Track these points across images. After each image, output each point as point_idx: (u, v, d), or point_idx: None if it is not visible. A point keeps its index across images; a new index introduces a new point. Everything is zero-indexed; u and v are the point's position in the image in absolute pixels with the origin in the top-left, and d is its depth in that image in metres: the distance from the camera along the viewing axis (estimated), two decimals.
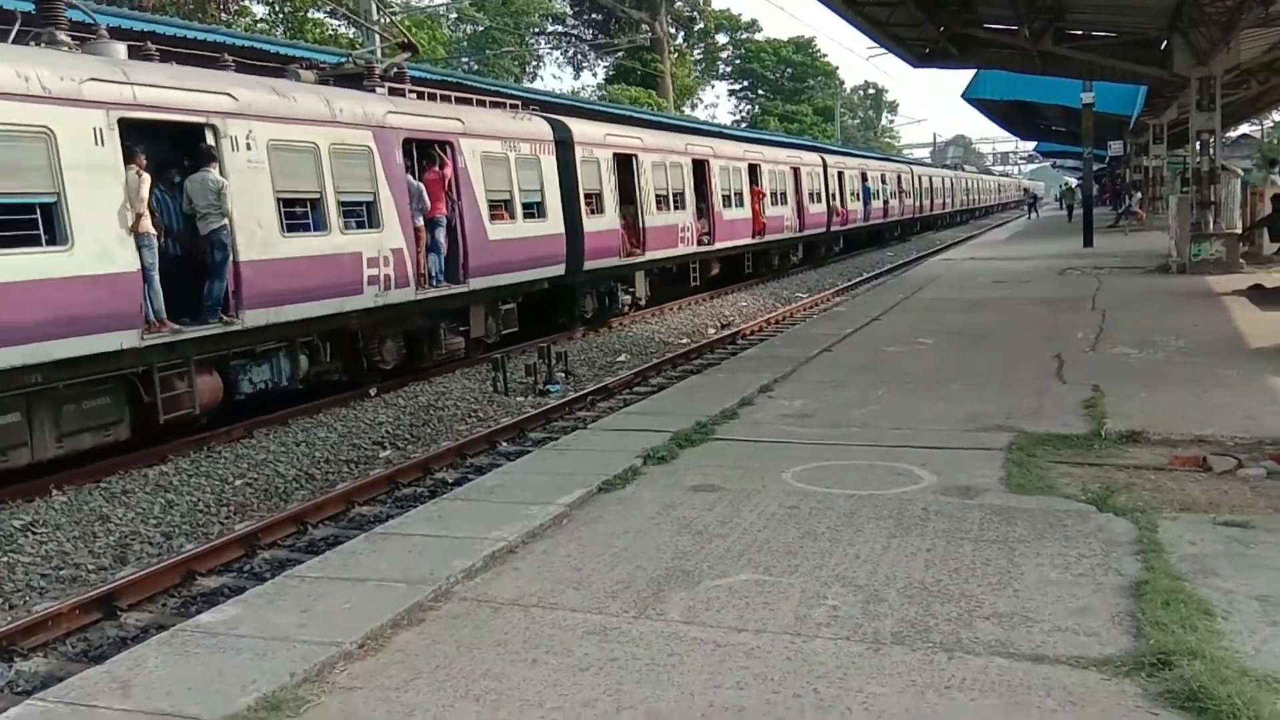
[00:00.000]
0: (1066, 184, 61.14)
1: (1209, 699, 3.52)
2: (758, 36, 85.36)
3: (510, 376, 14.74)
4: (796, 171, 32.52)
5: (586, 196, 19.23)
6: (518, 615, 4.73)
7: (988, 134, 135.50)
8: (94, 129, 9.88)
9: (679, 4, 70.42)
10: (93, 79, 10.01)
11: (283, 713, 3.86)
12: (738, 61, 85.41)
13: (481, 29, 60.58)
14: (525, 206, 17.14)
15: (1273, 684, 3.64)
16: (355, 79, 14.79)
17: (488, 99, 17.86)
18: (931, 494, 6.32)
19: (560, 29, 69.85)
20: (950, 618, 4.43)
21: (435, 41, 45.28)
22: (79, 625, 7.08)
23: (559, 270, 18.08)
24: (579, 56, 70.48)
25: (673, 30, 67.80)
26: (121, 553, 8.61)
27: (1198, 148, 19.94)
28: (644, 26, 60.52)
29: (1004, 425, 7.99)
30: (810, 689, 3.85)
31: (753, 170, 28.56)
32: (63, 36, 10.65)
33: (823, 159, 36.31)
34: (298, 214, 12.39)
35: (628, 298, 21.42)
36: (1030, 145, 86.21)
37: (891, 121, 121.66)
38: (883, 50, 24.93)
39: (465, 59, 50.25)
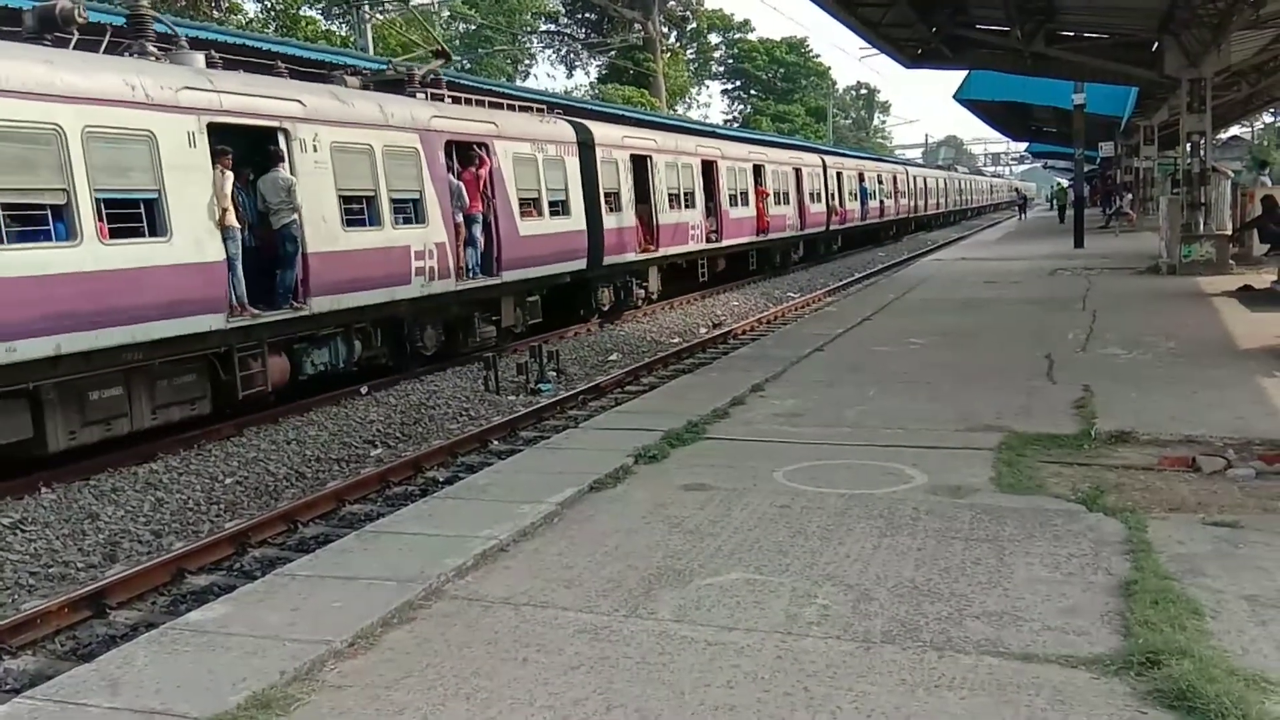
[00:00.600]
0: (1058, 184, 61.25)
1: (1197, 698, 3.53)
2: (750, 36, 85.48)
3: (502, 375, 14.74)
4: (798, 172, 33.50)
5: (606, 195, 20.31)
6: (509, 614, 4.73)
7: (979, 134, 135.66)
8: (188, 132, 11.03)
9: (672, 3, 70.47)
10: (187, 87, 11.20)
11: (273, 711, 3.86)
12: (730, 61, 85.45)
13: (474, 27, 60.49)
14: (551, 204, 18.25)
15: (1260, 683, 3.66)
16: (396, 85, 15.83)
17: (516, 104, 18.97)
18: (922, 493, 6.33)
19: (553, 28, 69.79)
20: (940, 617, 4.44)
21: (428, 41, 45.16)
22: (68, 623, 7.06)
23: (581, 264, 19.16)
24: (572, 56, 70.54)
25: (665, 30, 67.84)
26: (111, 551, 8.58)
27: (1188, 149, 20.01)
28: (637, 26, 60.53)
29: (994, 425, 8.01)
30: (801, 688, 3.86)
31: (757, 171, 29.58)
32: (151, 48, 11.79)
33: (822, 160, 37.24)
34: (355, 210, 13.53)
35: (641, 291, 22.43)
36: (1022, 146, 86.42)
37: (884, 122, 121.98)
38: (875, 51, 24.94)
39: (458, 57, 50.14)
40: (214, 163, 11.34)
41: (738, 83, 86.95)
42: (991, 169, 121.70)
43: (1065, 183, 56.98)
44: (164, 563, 7.98)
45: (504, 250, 16.59)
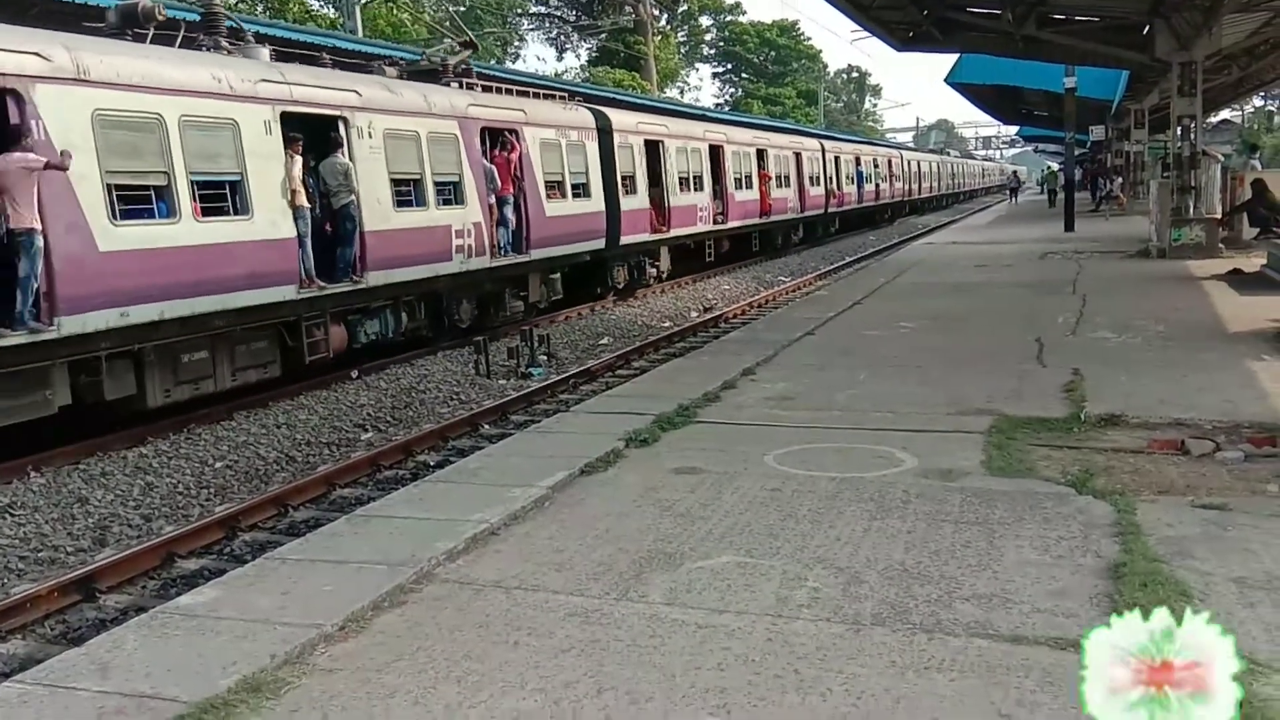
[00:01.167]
0: (1049, 168, 61.25)
1: None
2: (741, 19, 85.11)
3: (492, 359, 14.71)
4: (798, 156, 34.46)
5: (622, 178, 21.33)
6: (499, 597, 4.73)
7: (970, 118, 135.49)
8: (264, 121, 12.12)
9: None
10: (263, 80, 12.34)
11: (263, 694, 3.85)
12: (721, 44, 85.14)
13: (464, 8, 60.11)
14: (574, 187, 19.35)
15: (1249, 665, 3.67)
16: (431, 75, 16.82)
17: (540, 92, 20.06)
18: (912, 477, 6.34)
19: (543, 10, 69.42)
20: (930, 599, 4.45)
21: (419, 22, 44.88)
22: (57, 607, 7.04)
23: (600, 244, 20.23)
24: (562, 38, 70.10)
25: (656, 12, 67.38)
26: (100, 535, 8.56)
27: (1179, 133, 19.98)
28: (627, 8, 60.18)
29: (985, 408, 8.02)
30: (791, 670, 3.86)
31: (760, 155, 30.47)
32: (224, 43, 12.84)
33: (821, 145, 38.27)
34: (404, 192, 14.64)
35: (654, 271, 23.44)
36: (1012, 130, 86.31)
37: (875, 105, 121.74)
38: (866, 34, 24.91)
39: (448, 39, 49.83)
40: (285, 149, 12.39)
41: (728, 66, 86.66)
42: (982, 153, 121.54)
43: (1056, 166, 57.03)
44: (154, 547, 7.96)
45: (532, 230, 17.63)
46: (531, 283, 18.08)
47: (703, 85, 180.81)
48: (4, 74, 9.38)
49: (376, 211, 13.84)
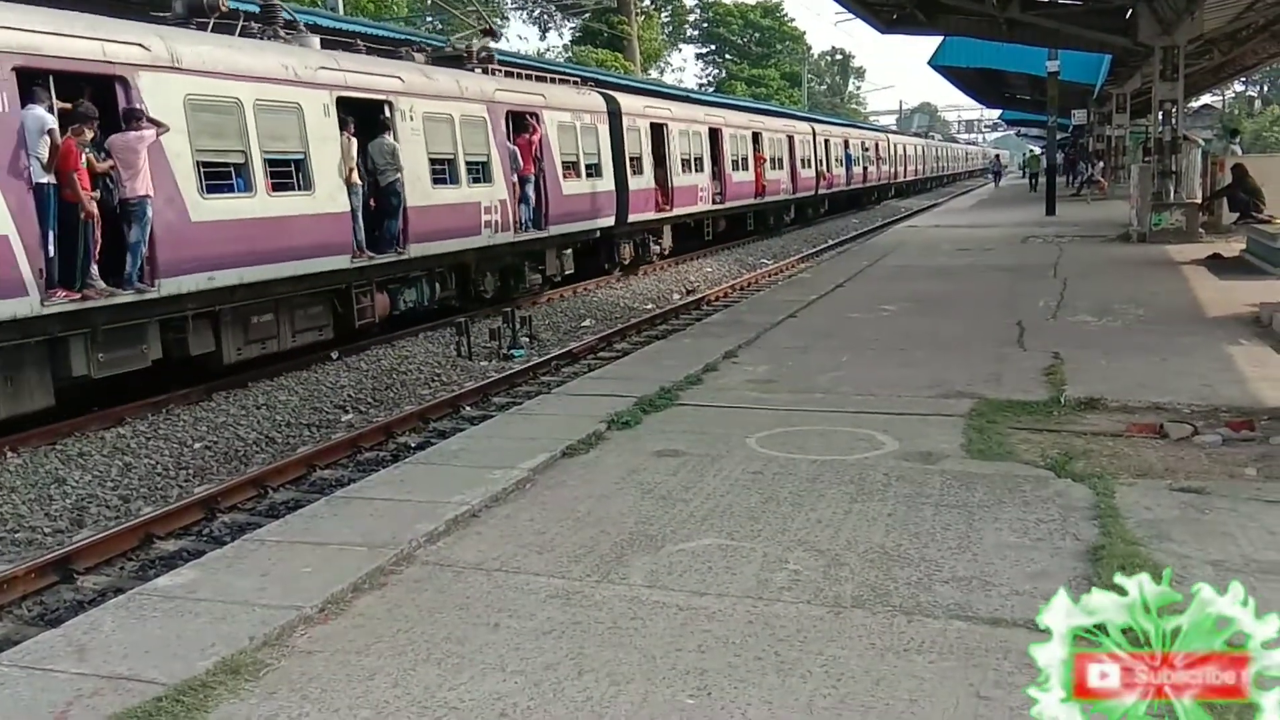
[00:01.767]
0: (1031, 151, 61.34)
1: None
2: (725, 0, 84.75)
3: (474, 341, 14.67)
4: (791, 139, 35.82)
5: (630, 159, 22.42)
6: (480, 579, 4.72)
7: (953, 101, 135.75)
8: (323, 105, 13.23)
9: None
10: (322, 67, 13.45)
11: (241, 676, 3.83)
12: (705, 25, 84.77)
13: None
14: (587, 167, 20.57)
15: None
16: (455, 60, 17.91)
17: (555, 77, 21.66)
18: (893, 459, 6.36)
19: None
20: (910, 581, 4.47)
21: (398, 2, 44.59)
22: (34, 589, 7.00)
23: (610, 221, 21.48)
24: (545, 17, 69.59)
25: None
26: (78, 516, 8.50)
27: (1160, 117, 20.03)
28: None
29: (965, 392, 8.05)
30: (772, 652, 3.87)
31: (756, 138, 31.73)
32: (281, 33, 13.88)
33: (812, 128, 39.82)
34: (439, 171, 15.79)
35: (657, 248, 24.43)
36: (995, 113, 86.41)
37: (858, 88, 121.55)
38: (850, 16, 24.83)
39: (429, 17, 49.45)
40: (340, 130, 13.45)
41: (712, 47, 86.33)
42: (965, 136, 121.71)
43: (1037, 150, 57.18)
44: (132, 528, 7.92)
45: (550, 207, 18.79)
46: (549, 257, 19.19)
47: (686, 66, 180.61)
48: (115, 63, 10.48)
49: (417, 188, 14.99)
